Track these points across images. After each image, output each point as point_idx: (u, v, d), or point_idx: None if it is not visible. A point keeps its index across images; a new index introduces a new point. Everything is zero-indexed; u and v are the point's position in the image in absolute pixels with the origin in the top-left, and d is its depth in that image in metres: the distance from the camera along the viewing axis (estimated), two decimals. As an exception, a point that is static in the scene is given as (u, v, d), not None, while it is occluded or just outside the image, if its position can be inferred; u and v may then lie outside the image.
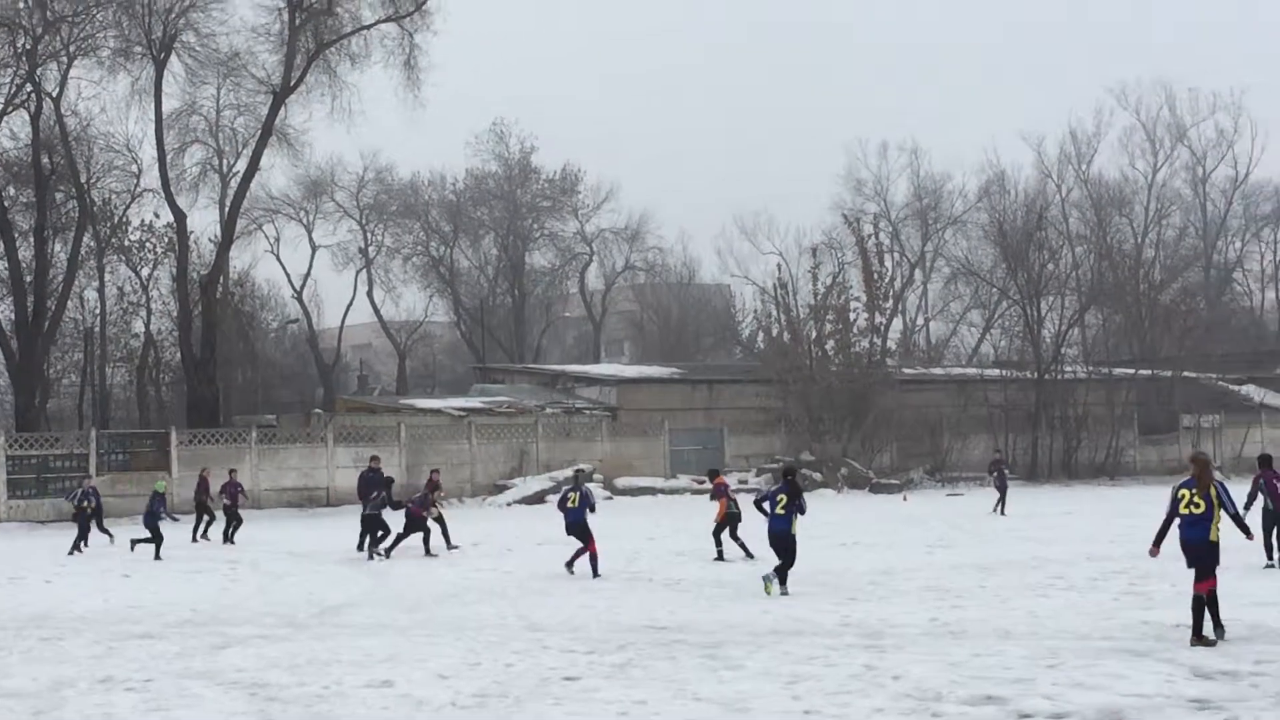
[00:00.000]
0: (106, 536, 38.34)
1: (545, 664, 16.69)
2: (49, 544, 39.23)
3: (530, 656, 17.25)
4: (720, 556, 29.73)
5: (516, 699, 14.57)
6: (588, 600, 23.04)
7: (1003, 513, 43.78)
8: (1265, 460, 26.96)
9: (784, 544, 23.63)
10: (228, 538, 38.48)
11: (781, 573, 23.40)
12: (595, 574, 26.82)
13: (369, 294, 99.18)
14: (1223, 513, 17.32)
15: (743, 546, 29.67)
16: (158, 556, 33.71)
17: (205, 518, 40.34)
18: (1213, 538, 17.23)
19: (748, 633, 18.89)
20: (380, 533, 32.57)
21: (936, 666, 15.74)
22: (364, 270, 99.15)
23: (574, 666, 16.48)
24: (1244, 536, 18.03)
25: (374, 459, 38.79)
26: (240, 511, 40.00)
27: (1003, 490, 45.29)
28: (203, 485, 41.29)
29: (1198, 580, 17.19)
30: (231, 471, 42.11)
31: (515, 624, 20.42)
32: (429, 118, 74.02)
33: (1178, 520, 17.48)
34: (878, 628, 18.97)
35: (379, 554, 31.88)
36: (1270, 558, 25.39)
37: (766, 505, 24.08)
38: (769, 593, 23.01)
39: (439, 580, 27.18)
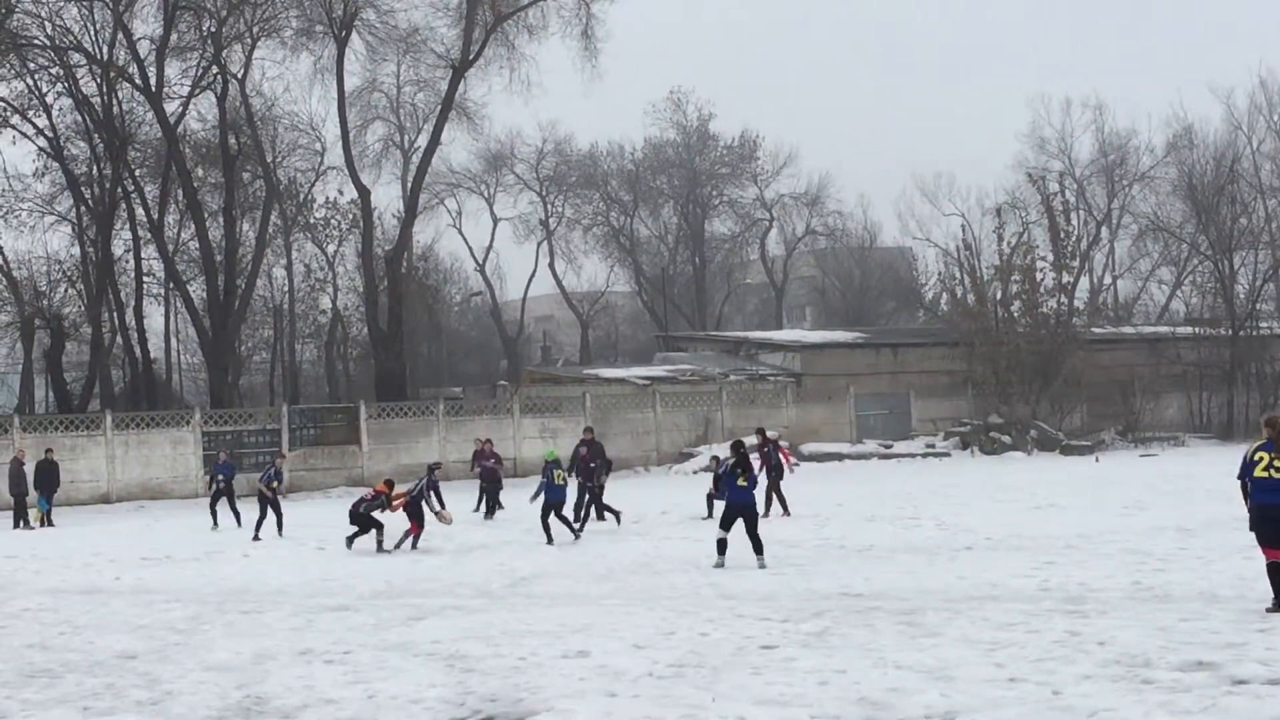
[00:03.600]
0: (234, 518, 36.97)
1: (741, 633, 16.52)
2: (245, 519, 39.75)
3: (725, 625, 17.10)
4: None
5: (714, 668, 14.42)
6: (780, 568, 22.83)
7: None
8: None
9: (750, 514, 23.44)
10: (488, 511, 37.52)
11: (724, 545, 23.45)
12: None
13: (550, 265, 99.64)
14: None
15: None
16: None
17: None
18: None
19: (944, 599, 18.59)
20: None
21: (1143, 632, 15.32)
22: (545, 242, 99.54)
23: (769, 635, 16.29)
24: None
25: (588, 430, 37.27)
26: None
27: None
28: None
29: None
30: (482, 442, 40.34)
31: (708, 593, 20.29)
32: (606, 87, 74.28)
33: (1253, 485, 16.70)
34: (1078, 592, 18.56)
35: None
36: None
37: (724, 484, 24.09)
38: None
39: (630, 550, 27.13)
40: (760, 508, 33.23)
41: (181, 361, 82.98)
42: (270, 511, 34.29)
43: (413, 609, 19.91)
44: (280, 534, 33.63)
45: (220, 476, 38.31)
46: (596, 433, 37.87)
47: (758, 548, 23.13)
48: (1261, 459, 16.68)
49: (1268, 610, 16.35)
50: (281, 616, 19.74)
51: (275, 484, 35.29)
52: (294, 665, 15.72)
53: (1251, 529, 16.87)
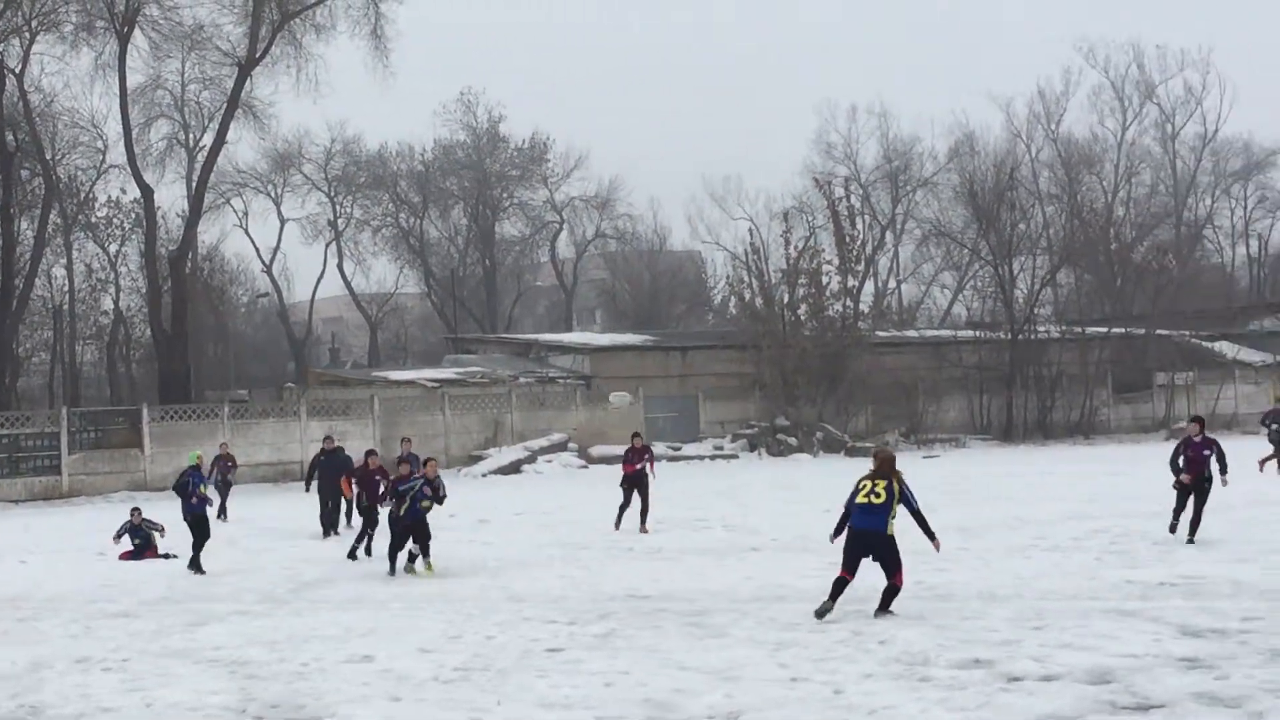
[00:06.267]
0: None
1: (527, 636, 16.54)
2: (21, 524, 38.87)
3: (511, 628, 17.10)
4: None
5: (500, 671, 14.42)
6: (567, 570, 22.90)
7: None
8: (1197, 420, 24.39)
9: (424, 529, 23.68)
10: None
11: (426, 550, 23.71)
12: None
13: (339, 266, 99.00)
14: (902, 508, 17.43)
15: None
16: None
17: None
18: (889, 531, 17.29)
19: (731, 600, 18.76)
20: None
21: (923, 630, 15.65)
22: (333, 243, 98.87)
23: (556, 638, 16.33)
24: (931, 544, 17.81)
25: (329, 439, 34.52)
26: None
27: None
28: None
29: (890, 574, 17.22)
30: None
31: (495, 595, 20.26)
32: (396, 88, 73.84)
33: (855, 510, 17.54)
34: (862, 592, 18.78)
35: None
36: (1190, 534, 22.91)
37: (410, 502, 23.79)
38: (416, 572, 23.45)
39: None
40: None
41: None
42: None
43: (195, 614, 19.60)
44: None
45: None
46: (383, 436, 37.35)
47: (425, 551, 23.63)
48: (865, 486, 17.50)
49: (815, 612, 16.85)
50: (59, 623, 19.31)
51: None
52: (70, 673, 15.39)
53: (845, 549, 17.46)
